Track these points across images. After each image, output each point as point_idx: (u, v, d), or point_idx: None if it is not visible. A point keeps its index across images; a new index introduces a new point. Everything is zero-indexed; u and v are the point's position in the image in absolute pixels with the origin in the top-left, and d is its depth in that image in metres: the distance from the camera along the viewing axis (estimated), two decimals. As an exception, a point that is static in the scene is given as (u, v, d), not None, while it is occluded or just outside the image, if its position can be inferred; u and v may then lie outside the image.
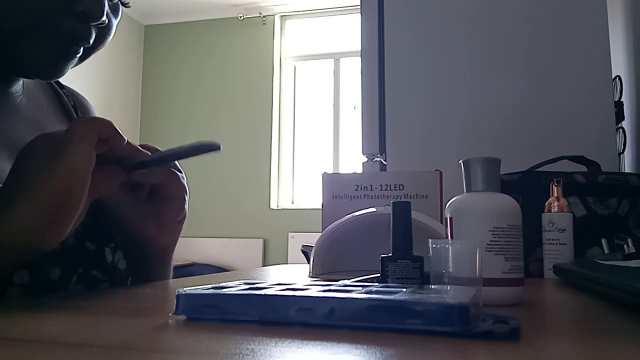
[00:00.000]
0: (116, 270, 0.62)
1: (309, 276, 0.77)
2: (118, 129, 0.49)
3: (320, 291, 0.35)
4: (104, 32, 0.59)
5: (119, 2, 0.61)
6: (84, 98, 0.77)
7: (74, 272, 0.57)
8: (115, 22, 0.61)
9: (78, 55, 0.59)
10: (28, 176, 0.46)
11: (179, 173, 0.60)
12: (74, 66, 0.60)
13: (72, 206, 0.47)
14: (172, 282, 0.67)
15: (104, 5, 0.56)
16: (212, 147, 0.48)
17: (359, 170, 1.41)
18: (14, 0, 0.53)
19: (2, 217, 0.45)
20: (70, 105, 0.72)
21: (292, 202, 3.95)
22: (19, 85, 0.63)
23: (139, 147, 0.55)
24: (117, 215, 0.61)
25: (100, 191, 0.51)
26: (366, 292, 0.35)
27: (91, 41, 0.58)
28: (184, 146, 0.50)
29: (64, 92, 0.73)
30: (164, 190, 0.59)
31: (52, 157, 0.46)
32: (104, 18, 0.56)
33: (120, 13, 0.62)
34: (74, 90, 0.76)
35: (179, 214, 0.61)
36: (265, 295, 0.35)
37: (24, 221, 0.45)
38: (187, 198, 0.61)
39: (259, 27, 4.04)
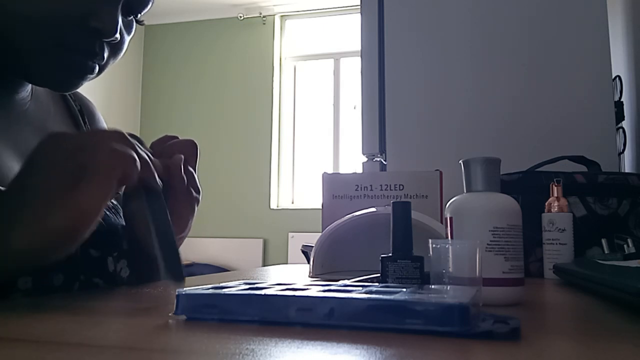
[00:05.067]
0: (118, 278, 0.62)
1: (309, 276, 0.77)
2: (139, 165, 0.47)
3: (320, 291, 0.35)
4: (116, 48, 0.59)
5: (133, 20, 0.61)
6: (90, 102, 0.77)
7: (77, 279, 0.57)
8: (127, 38, 0.61)
9: (95, 72, 0.58)
10: (40, 192, 0.44)
11: (196, 194, 0.61)
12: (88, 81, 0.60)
13: (80, 237, 0.45)
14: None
15: (117, 22, 0.56)
16: (177, 277, 0.46)
17: (359, 170, 1.41)
18: (29, 16, 0.52)
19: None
20: (77, 111, 0.72)
21: (292, 202, 3.95)
22: (27, 92, 0.63)
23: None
24: (133, 219, 0.61)
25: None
26: (366, 292, 0.35)
27: (105, 57, 0.58)
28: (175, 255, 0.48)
29: (71, 97, 0.73)
30: (171, 206, 0.59)
31: (69, 180, 0.43)
32: (117, 35, 0.56)
33: (133, 30, 0.61)
34: (81, 95, 0.75)
35: (179, 230, 0.61)
36: (265, 295, 0.35)
37: (29, 244, 0.43)
38: (199, 197, 0.62)
39: (259, 27, 4.04)
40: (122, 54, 0.61)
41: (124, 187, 0.52)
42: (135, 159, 0.47)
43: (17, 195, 0.45)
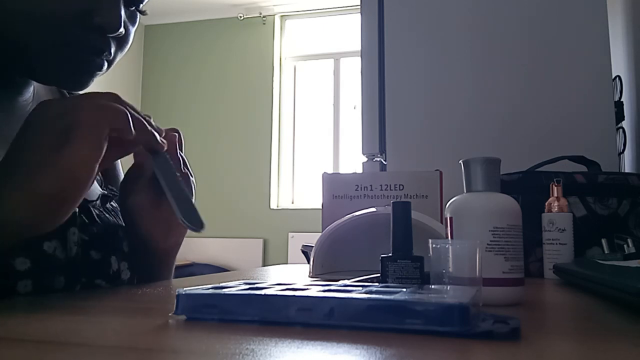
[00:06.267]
0: (119, 280, 0.62)
1: (309, 276, 0.77)
2: (130, 119, 0.47)
3: (320, 291, 0.35)
4: (122, 42, 0.59)
5: (136, 11, 0.61)
6: None
7: (78, 282, 0.57)
8: (132, 30, 0.60)
9: (104, 68, 0.58)
10: (28, 157, 0.44)
11: (190, 177, 0.60)
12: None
13: (72, 200, 0.45)
14: (172, 282, 0.67)
15: (121, 17, 0.55)
16: (195, 225, 0.49)
17: (359, 170, 1.41)
18: (31, 16, 0.52)
19: None
20: None
21: (292, 202, 3.95)
22: (29, 92, 0.63)
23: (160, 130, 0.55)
24: (130, 219, 0.61)
25: (105, 166, 0.51)
26: (366, 292, 0.35)
27: (112, 52, 0.58)
28: (186, 199, 0.51)
29: None
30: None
31: (56, 141, 0.43)
32: (122, 29, 0.56)
33: (137, 21, 0.61)
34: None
35: (191, 190, 0.61)
36: (265, 295, 0.35)
37: (19, 211, 0.43)
38: (194, 180, 0.62)
39: (259, 27, 4.04)
40: (128, 46, 0.61)
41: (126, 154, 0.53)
42: (126, 113, 0.46)
43: (8, 162, 0.45)
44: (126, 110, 0.47)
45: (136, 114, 0.49)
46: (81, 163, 0.44)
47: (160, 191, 0.54)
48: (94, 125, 0.44)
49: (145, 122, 0.50)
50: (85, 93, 0.68)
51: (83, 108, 0.45)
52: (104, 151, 0.45)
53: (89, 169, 0.45)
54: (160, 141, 0.52)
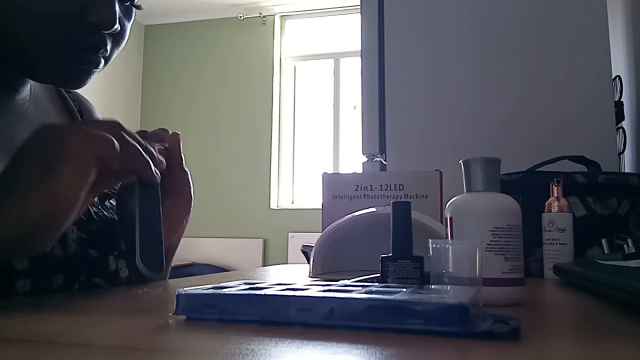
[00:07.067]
0: (118, 278, 0.62)
1: (309, 276, 0.77)
2: (117, 147, 0.46)
3: (320, 291, 0.35)
4: (118, 38, 0.59)
5: (131, 5, 0.61)
6: (88, 102, 0.77)
7: (76, 280, 0.56)
8: (128, 25, 0.61)
9: (101, 65, 0.59)
10: (18, 182, 0.44)
11: (187, 170, 0.61)
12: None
13: (58, 226, 0.45)
14: (172, 282, 0.67)
15: (115, 13, 0.55)
16: (151, 269, 0.46)
17: (359, 170, 1.41)
18: (29, 15, 0.52)
19: None
20: (76, 111, 0.72)
21: (292, 202, 3.95)
22: (26, 91, 0.63)
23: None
24: (127, 219, 0.61)
25: (102, 190, 0.51)
26: (366, 292, 0.35)
27: (108, 49, 0.58)
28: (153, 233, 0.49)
29: (69, 97, 0.72)
30: (171, 187, 0.59)
31: (44, 168, 0.44)
32: (117, 25, 0.56)
33: (133, 15, 0.61)
34: (80, 95, 0.75)
35: (186, 212, 0.62)
36: (265, 295, 0.35)
37: (5, 233, 0.43)
38: (192, 197, 0.62)
39: (259, 27, 4.04)
40: (125, 42, 0.61)
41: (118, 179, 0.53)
42: (112, 141, 0.46)
43: (2, 184, 0.45)
44: (111, 139, 0.46)
45: (133, 142, 0.48)
46: (66, 190, 0.44)
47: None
48: (78, 154, 0.44)
49: (142, 150, 0.49)
50: (88, 120, 0.68)
51: (71, 137, 0.45)
52: (90, 179, 0.45)
53: (73, 196, 0.44)
54: (153, 172, 0.51)
